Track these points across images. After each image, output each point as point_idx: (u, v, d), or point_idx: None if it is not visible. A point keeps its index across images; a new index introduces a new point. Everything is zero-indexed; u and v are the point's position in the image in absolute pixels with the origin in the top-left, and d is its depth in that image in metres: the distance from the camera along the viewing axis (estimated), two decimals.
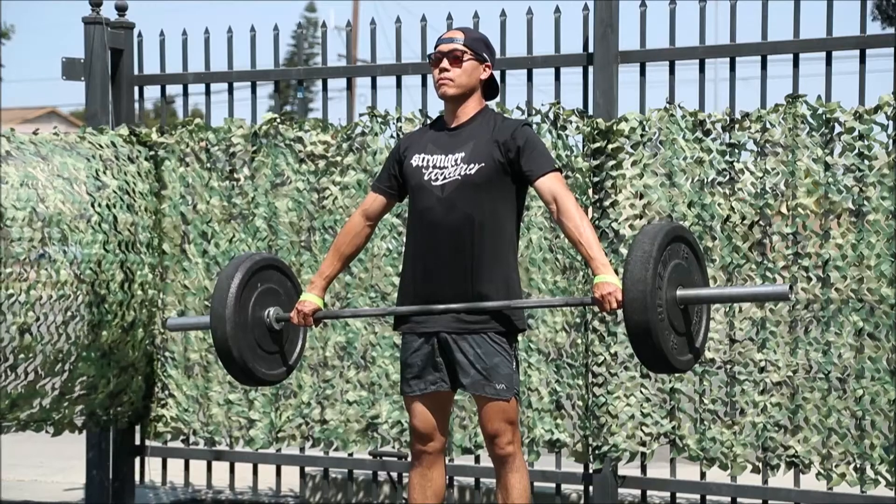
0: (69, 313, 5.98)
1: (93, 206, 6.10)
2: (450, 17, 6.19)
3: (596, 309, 5.78)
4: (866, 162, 5.42)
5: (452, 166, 4.60)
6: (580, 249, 4.51)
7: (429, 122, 4.83)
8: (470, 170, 4.57)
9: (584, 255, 4.51)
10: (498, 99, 6.08)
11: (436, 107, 6.31)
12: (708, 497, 5.98)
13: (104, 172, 6.23)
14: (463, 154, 4.60)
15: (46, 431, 6.22)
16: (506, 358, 4.61)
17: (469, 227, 4.56)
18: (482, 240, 4.57)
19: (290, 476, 6.87)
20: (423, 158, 4.65)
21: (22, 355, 5.79)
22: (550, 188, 4.54)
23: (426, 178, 4.62)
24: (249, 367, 4.82)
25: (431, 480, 4.71)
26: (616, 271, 4.54)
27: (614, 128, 5.75)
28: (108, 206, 6.17)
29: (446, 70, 4.63)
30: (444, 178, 4.60)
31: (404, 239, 4.86)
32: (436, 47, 4.69)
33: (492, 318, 4.58)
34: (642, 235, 4.42)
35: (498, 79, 6.11)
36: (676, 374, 5.69)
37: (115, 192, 6.23)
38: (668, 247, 4.44)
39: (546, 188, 4.54)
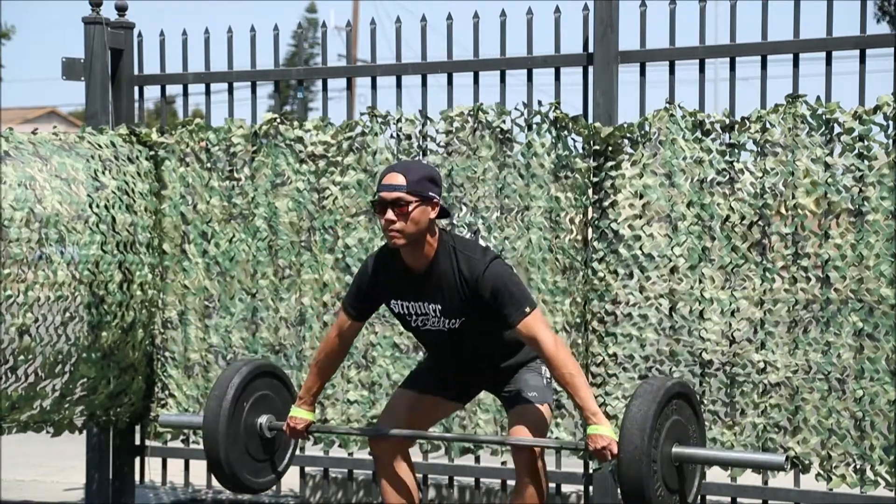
0: (68, 314, 5.97)
1: (91, 206, 6.10)
2: (450, 18, 6.20)
3: (595, 309, 5.80)
4: (866, 162, 5.42)
5: (434, 316, 4.59)
6: (571, 395, 4.52)
7: (377, 262, 4.70)
8: (454, 324, 4.59)
9: (575, 401, 4.53)
10: (498, 99, 6.10)
11: (436, 107, 6.34)
12: (708, 497, 5.99)
13: (103, 172, 6.23)
14: (440, 307, 4.58)
15: (47, 432, 6.22)
16: (537, 373, 4.72)
17: (474, 352, 4.70)
18: (491, 353, 4.71)
19: (290, 476, 6.87)
20: (402, 306, 4.63)
21: (22, 357, 5.78)
22: (529, 334, 4.52)
23: (414, 324, 4.66)
24: (239, 477, 4.88)
25: (399, 481, 4.69)
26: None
27: (614, 132, 5.74)
28: (106, 206, 6.17)
29: (392, 221, 4.44)
30: (432, 325, 4.62)
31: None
32: (377, 190, 4.50)
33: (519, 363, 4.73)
34: (643, 391, 4.45)
35: (498, 79, 6.14)
36: (675, 375, 5.69)
37: (113, 192, 6.23)
38: (668, 404, 4.48)
39: (525, 335, 4.53)
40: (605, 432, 4.45)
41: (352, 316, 4.73)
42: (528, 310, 4.49)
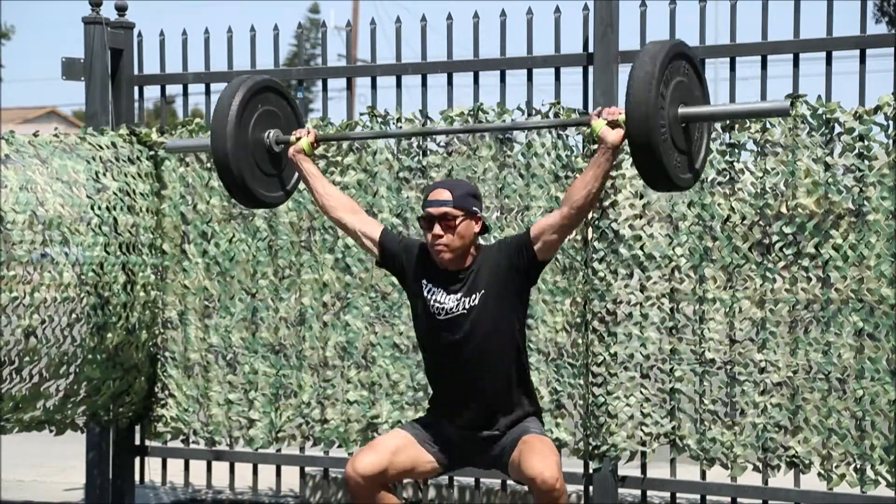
0: (74, 316, 5.98)
1: (92, 208, 6.10)
2: (450, 17, 6.19)
3: (595, 309, 5.80)
4: (866, 162, 5.42)
5: (456, 300, 4.61)
6: (590, 166, 4.49)
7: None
8: (473, 301, 4.60)
9: (593, 161, 4.49)
10: (498, 99, 6.10)
11: (435, 107, 6.34)
12: (708, 497, 5.99)
13: (104, 174, 6.23)
14: (465, 290, 4.61)
15: (50, 430, 6.23)
16: (537, 424, 4.68)
17: (478, 362, 4.64)
18: (494, 369, 4.67)
19: (290, 476, 6.87)
20: (430, 289, 4.65)
21: (27, 358, 5.79)
22: (543, 221, 4.59)
23: (432, 309, 4.63)
24: (248, 185, 4.90)
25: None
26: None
27: None
28: (108, 208, 6.17)
29: (440, 236, 4.56)
30: (449, 309, 4.62)
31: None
32: (425, 206, 4.61)
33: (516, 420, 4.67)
34: (643, 55, 4.41)
35: (498, 79, 6.14)
36: (677, 375, 5.70)
37: (115, 193, 6.23)
38: (670, 65, 4.43)
39: (544, 222, 4.58)
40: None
41: (379, 229, 4.78)
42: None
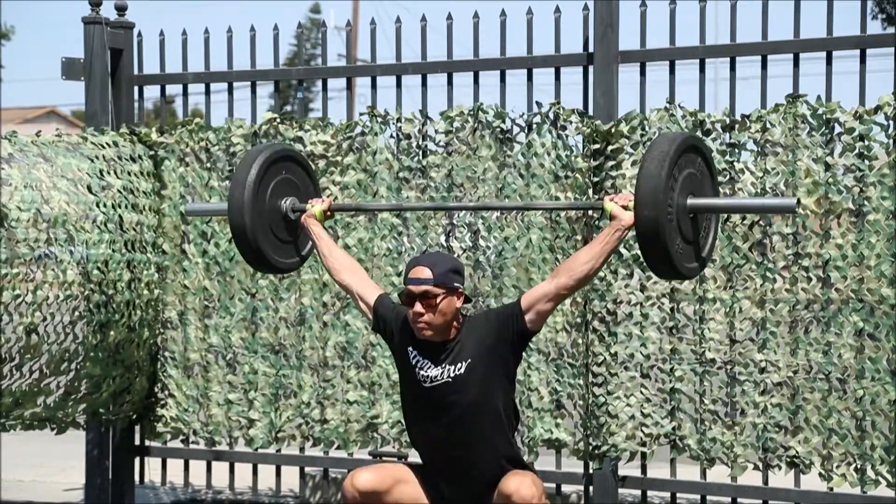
0: (77, 313, 5.98)
1: (97, 206, 6.10)
2: (450, 17, 6.19)
3: (596, 308, 5.79)
4: (866, 162, 5.41)
5: (443, 370, 4.60)
6: (597, 240, 4.54)
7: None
8: (459, 370, 4.59)
9: (601, 237, 4.54)
10: (498, 99, 6.09)
11: (435, 107, 6.32)
12: (708, 497, 5.99)
13: (108, 173, 6.23)
14: (451, 360, 4.60)
15: (51, 429, 6.22)
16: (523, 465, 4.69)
17: (461, 429, 4.63)
18: (477, 439, 4.65)
19: (290, 476, 6.87)
20: (415, 357, 4.64)
21: (28, 355, 5.79)
22: (534, 291, 4.61)
23: (418, 376, 4.62)
24: (264, 253, 5.02)
25: None
26: None
27: (613, 130, 5.74)
28: (112, 205, 6.18)
29: (421, 314, 4.56)
30: (435, 377, 4.61)
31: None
32: (405, 282, 4.61)
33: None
34: (660, 138, 4.49)
35: (498, 79, 6.14)
36: (677, 375, 5.70)
37: (119, 191, 6.23)
38: (684, 154, 4.49)
39: (534, 294, 4.59)
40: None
41: (375, 295, 4.81)
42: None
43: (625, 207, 4.49)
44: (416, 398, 4.65)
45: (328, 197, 5.24)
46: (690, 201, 4.54)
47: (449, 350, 4.61)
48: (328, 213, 5.07)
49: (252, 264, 5.15)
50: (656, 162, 4.39)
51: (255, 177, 4.98)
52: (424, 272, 4.58)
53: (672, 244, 4.44)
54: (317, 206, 5.05)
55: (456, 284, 4.60)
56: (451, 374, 4.58)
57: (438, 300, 4.56)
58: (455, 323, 4.63)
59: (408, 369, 4.66)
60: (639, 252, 5.70)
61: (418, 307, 4.56)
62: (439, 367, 4.60)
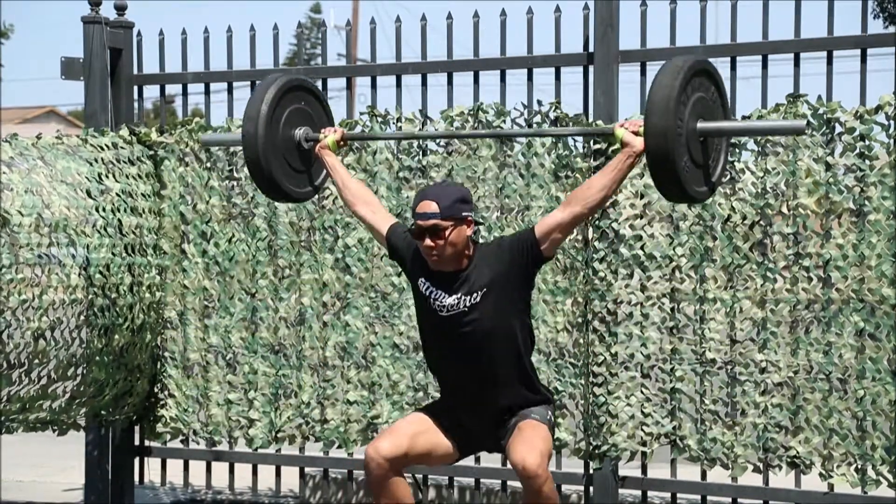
0: (82, 318, 5.98)
1: (97, 210, 6.10)
2: (450, 17, 6.18)
3: (596, 308, 5.79)
4: (867, 162, 5.41)
5: (457, 298, 4.62)
6: (608, 167, 4.56)
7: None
8: (475, 299, 4.61)
9: (612, 164, 4.56)
10: (497, 99, 6.09)
11: (435, 107, 6.31)
12: (709, 497, 5.98)
13: (107, 176, 6.23)
14: (467, 289, 4.63)
15: (53, 430, 6.22)
16: (544, 409, 4.69)
17: (479, 358, 4.67)
18: (497, 362, 4.69)
19: (290, 476, 6.87)
20: (428, 288, 4.67)
21: (36, 360, 5.79)
22: (549, 219, 4.61)
23: (433, 305, 4.65)
24: (277, 181, 5.04)
25: (394, 494, 4.61)
26: None
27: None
28: (112, 209, 6.17)
29: (431, 247, 4.59)
30: (450, 306, 4.63)
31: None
32: (414, 218, 4.64)
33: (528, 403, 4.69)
34: (674, 59, 4.50)
35: (498, 78, 6.13)
36: (677, 375, 5.69)
37: (118, 195, 6.23)
38: (696, 76, 4.49)
39: (549, 222, 4.60)
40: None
41: (388, 225, 4.84)
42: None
43: (636, 134, 4.51)
44: (434, 328, 4.68)
45: (341, 128, 5.24)
46: (700, 125, 4.53)
47: (462, 279, 4.63)
48: (342, 142, 5.10)
49: (267, 193, 5.16)
50: (669, 75, 4.40)
51: (269, 105, 4.98)
52: (431, 206, 4.60)
53: (680, 159, 4.43)
54: (330, 136, 5.06)
55: (464, 214, 4.62)
56: (467, 303, 4.61)
57: (447, 232, 4.58)
58: (467, 251, 4.65)
59: (423, 300, 4.68)
60: (639, 252, 5.71)
61: (428, 241, 4.59)
62: (454, 297, 4.62)
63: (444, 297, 4.63)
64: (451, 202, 4.59)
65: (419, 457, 4.66)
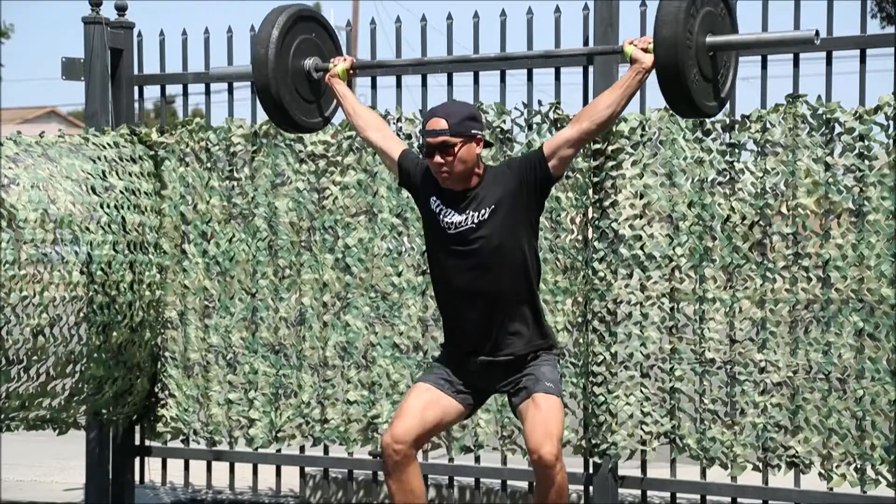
0: (81, 315, 5.98)
1: (101, 206, 6.10)
2: (450, 17, 6.19)
3: (596, 308, 5.79)
4: (866, 162, 5.42)
5: (467, 216, 4.66)
6: (617, 84, 4.61)
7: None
8: (483, 215, 4.64)
9: (621, 80, 4.61)
10: (498, 99, 6.09)
11: None
12: (708, 497, 5.98)
13: (110, 173, 6.23)
14: (475, 205, 4.66)
15: (53, 429, 6.23)
16: (552, 365, 4.69)
17: (489, 282, 4.69)
18: (505, 289, 4.71)
19: (290, 476, 6.87)
20: (438, 205, 4.71)
21: (35, 357, 5.79)
22: (558, 136, 4.65)
23: (442, 223, 4.68)
24: (287, 110, 5.07)
25: (410, 484, 4.65)
26: None
27: (613, 129, 5.75)
28: (116, 206, 6.18)
29: (441, 164, 4.63)
30: (459, 223, 4.66)
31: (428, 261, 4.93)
32: (423, 136, 4.67)
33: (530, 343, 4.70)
34: None
35: (498, 78, 6.13)
36: (677, 374, 5.70)
37: (122, 192, 6.24)
38: None
39: (557, 139, 4.64)
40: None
41: (400, 149, 4.87)
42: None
43: (645, 50, 4.55)
44: (442, 247, 4.70)
45: (350, 57, 5.27)
46: (710, 39, 4.57)
47: (471, 197, 4.66)
48: (351, 71, 5.12)
49: (278, 124, 5.20)
50: (673, 10, 4.44)
51: (280, 31, 5.01)
52: (440, 123, 4.64)
53: (690, 72, 4.47)
54: (339, 65, 5.09)
55: (473, 131, 4.65)
56: (475, 219, 4.64)
57: (457, 149, 4.62)
58: (477, 170, 4.69)
59: (432, 219, 4.72)
60: (639, 252, 5.72)
61: (438, 158, 4.62)
62: (463, 214, 4.66)
63: (452, 215, 4.67)
64: (460, 119, 4.64)
65: (433, 429, 4.71)
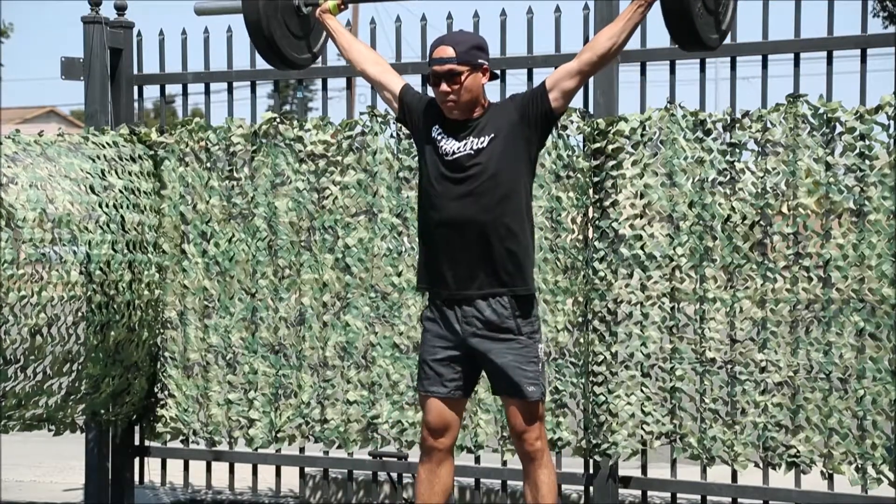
0: (79, 314, 5.98)
1: (100, 206, 6.10)
2: (450, 17, 6.18)
3: (596, 308, 5.79)
4: (867, 162, 5.41)
5: (467, 143, 4.68)
6: (620, 17, 4.66)
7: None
8: (481, 143, 4.67)
9: (624, 13, 4.64)
10: (498, 99, 6.08)
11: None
12: (709, 497, 5.98)
13: (109, 173, 6.23)
14: (475, 132, 4.69)
15: (49, 429, 6.22)
16: (535, 359, 4.70)
17: (481, 210, 4.71)
18: (497, 219, 4.74)
19: (290, 476, 6.86)
20: (441, 134, 4.72)
21: (32, 356, 5.79)
22: (558, 73, 4.69)
23: (440, 151, 4.70)
24: (278, 45, 5.06)
25: (439, 477, 4.75)
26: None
27: (614, 127, 5.74)
28: (115, 206, 6.17)
29: (447, 93, 4.65)
30: (458, 150, 4.68)
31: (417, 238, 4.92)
32: (430, 65, 4.69)
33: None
34: None
35: (498, 79, 6.12)
36: (677, 374, 5.69)
37: (121, 191, 6.23)
38: None
39: (557, 74, 4.68)
40: None
41: (401, 84, 4.89)
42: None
43: None
44: (437, 176, 4.70)
45: None
46: None
47: (472, 126, 4.69)
48: (342, 5, 5.10)
49: (267, 59, 5.19)
50: None
51: None
52: (447, 51, 4.66)
53: (695, 4, 4.51)
54: (330, 1, 5.07)
55: (480, 61, 4.68)
56: (473, 146, 4.66)
57: (463, 77, 4.64)
58: (482, 101, 4.71)
59: (431, 147, 4.72)
60: (639, 252, 5.71)
61: (444, 86, 4.64)
62: (462, 141, 4.68)
63: (452, 143, 4.69)
64: (467, 48, 4.66)
65: (455, 425, 4.76)
